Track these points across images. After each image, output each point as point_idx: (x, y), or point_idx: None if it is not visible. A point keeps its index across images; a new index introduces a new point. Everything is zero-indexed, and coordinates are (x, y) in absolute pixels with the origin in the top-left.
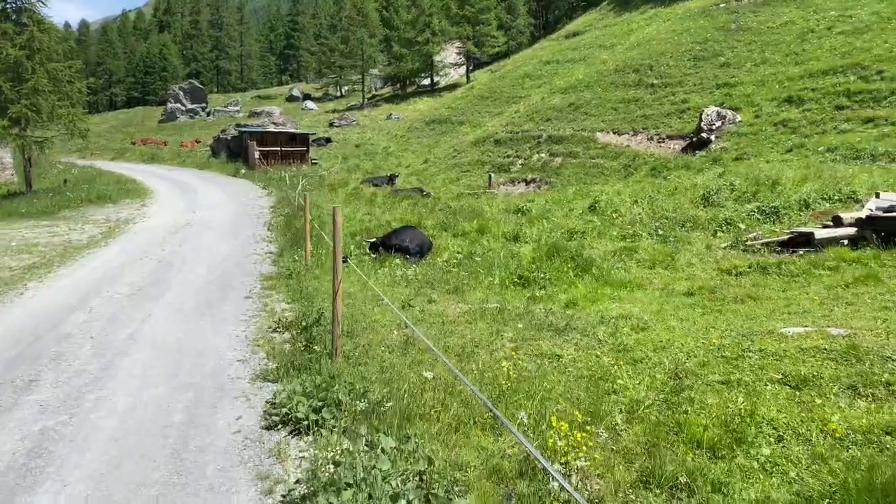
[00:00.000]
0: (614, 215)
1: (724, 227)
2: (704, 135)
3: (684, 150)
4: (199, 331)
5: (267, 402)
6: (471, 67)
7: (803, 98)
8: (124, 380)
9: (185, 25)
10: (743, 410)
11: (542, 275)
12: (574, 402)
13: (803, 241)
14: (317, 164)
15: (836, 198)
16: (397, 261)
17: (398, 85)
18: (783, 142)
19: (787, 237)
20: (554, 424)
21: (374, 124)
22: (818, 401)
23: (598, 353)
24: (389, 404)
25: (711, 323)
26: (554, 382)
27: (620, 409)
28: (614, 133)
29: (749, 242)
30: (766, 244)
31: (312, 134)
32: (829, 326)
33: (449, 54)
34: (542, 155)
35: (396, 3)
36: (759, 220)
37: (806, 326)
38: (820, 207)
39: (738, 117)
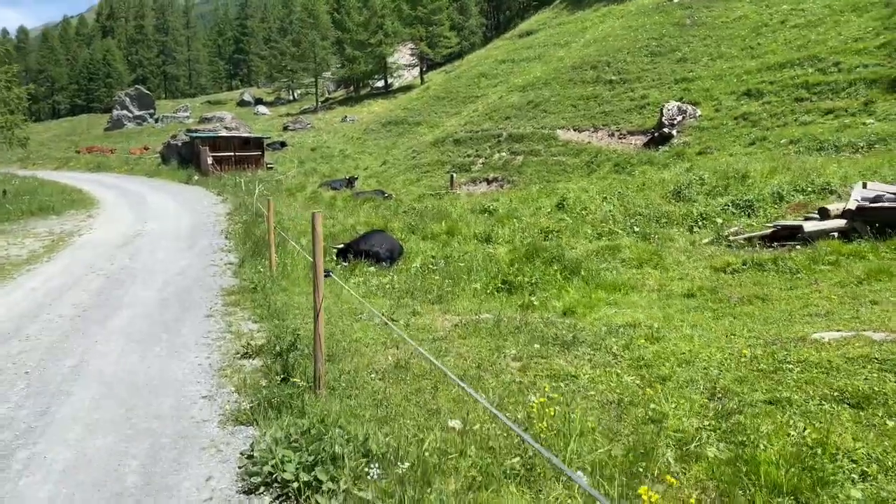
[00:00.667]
0: (584, 213)
1: (699, 223)
2: (666, 129)
3: (646, 145)
4: (155, 360)
5: (243, 454)
6: (424, 69)
7: (762, 91)
8: (65, 428)
9: (129, 30)
10: (811, 440)
11: (527, 279)
12: (610, 435)
13: (787, 235)
14: (272, 169)
15: (808, 189)
16: (369, 268)
17: (352, 87)
18: (745, 135)
19: (770, 231)
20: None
21: (328, 127)
22: (890, 423)
23: (618, 370)
24: (405, 465)
25: (729, 329)
26: (581, 411)
27: (668, 444)
28: (575, 130)
29: (731, 238)
30: (749, 239)
31: (267, 138)
32: (866, 330)
33: (402, 56)
34: (503, 154)
35: (348, 4)
36: (733, 214)
37: (840, 331)
38: (794, 200)
39: (699, 112)
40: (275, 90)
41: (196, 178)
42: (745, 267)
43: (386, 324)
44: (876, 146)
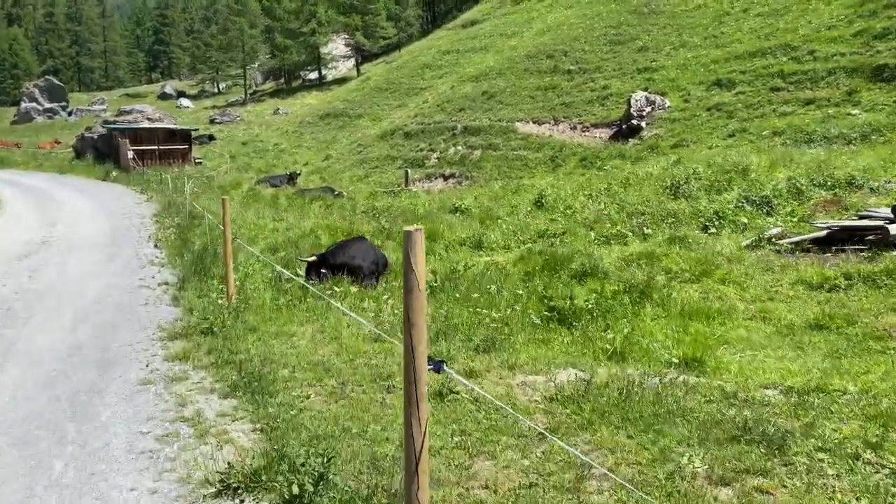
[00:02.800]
0: (568, 211)
1: (715, 222)
2: (635, 121)
3: (613, 138)
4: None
5: None
6: (359, 60)
7: (734, 81)
8: None
9: (38, 19)
10: None
11: (582, 303)
12: None
13: (846, 238)
14: (201, 164)
15: (828, 184)
16: (351, 287)
17: (283, 79)
18: (721, 126)
19: (824, 233)
20: None
21: (260, 120)
22: None
23: None
24: None
25: None
26: None
27: None
28: (534, 123)
29: (775, 241)
30: (797, 243)
31: (195, 129)
32: None
33: (336, 46)
34: (459, 148)
35: None
36: (750, 212)
37: None
38: (815, 195)
39: (668, 102)
40: (198, 82)
41: (115, 174)
42: (850, 282)
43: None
44: (871, 137)
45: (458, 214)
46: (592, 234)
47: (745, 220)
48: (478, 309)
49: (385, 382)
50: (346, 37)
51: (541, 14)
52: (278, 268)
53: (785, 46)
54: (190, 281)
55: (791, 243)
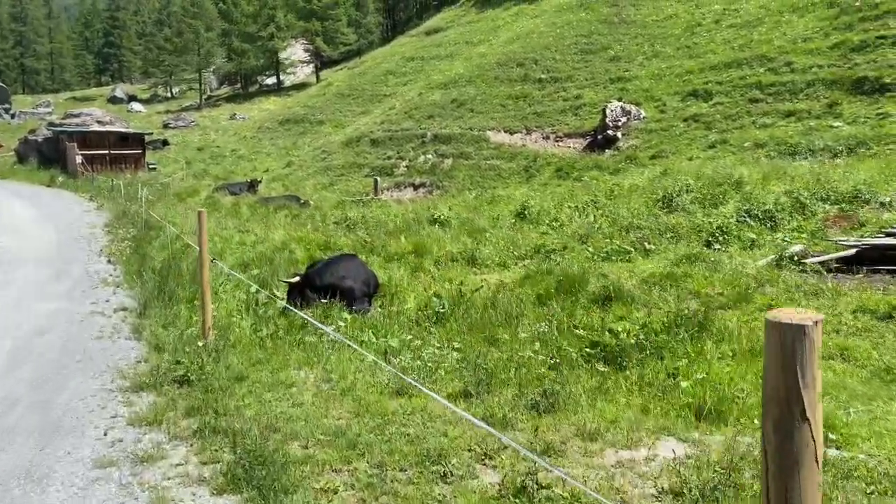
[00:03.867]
0: (554, 224)
1: (719, 238)
2: (611, 132)
3: (588, 148)
4: None
5: None
6: (319, 66)
7: (710, 91)
8: None
9: None
10: None
11: (627, 338)
12: None
13: (877, 258)
14: (156, 170)
15: (831, 198)
16: (344, 313)
17: (239, 84)
18: (700, 138)
19: (852, 252)
20: None
21: (216, 125)
22: None
23: None
24: None
25: None
26: None
27: None
28: (506, 132)
29: (798, 259)
30: (822, 262)
31: (148, 134)
32: None
33: (295, 51)
34: (429, 156)
35: None
36: (753, 227)
37: None
38: (820, 210)
39: (643, 113)
40: (151, 86)
41: (61, 179)
42: None
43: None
44: (858, 150)
45: (437, 226)
46: (590, 249)
47: (753, 236)
48: (501, 343)
49: (436, 466)
50: (306, 42)
51: (507, 22)
52: (264, 293)
53: (761, 58)
54: (152, 306)
55: (818, 262)
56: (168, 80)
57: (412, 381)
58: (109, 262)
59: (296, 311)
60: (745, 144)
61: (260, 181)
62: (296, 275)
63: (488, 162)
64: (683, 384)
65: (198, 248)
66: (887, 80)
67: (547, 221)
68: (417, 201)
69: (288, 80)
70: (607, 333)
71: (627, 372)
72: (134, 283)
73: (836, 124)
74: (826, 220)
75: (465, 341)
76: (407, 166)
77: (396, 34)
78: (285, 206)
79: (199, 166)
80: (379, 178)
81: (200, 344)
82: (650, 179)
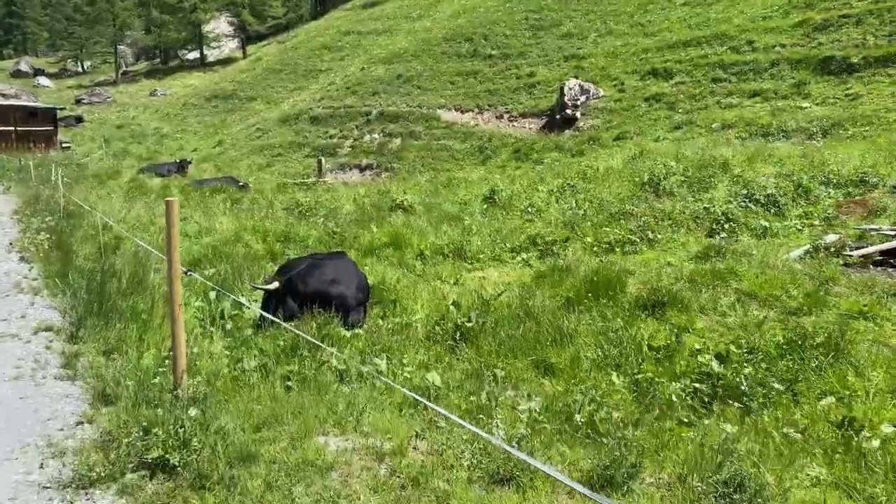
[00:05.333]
0: (530, 209)
1: (724, 226)
2: (570, 111)
3: (545, 129)
4: None
5: None
6: (245, 40)
7: (670, 70)
8: None
9: None
10: None
11: (733, 369)
12: None
13: None
14: (70, 149)
15: (833, 182)
16: (342, 330)
17: (159, 59)
18: (664, 118)
19: None
20: None
21: (135, 102)
22: None
23: None
24: None
25: None
26: None
27: None
28: (457, 110)
29: (834, 250)
30: (866, 256)
31: (61, 109)
32: None
33: (220, 24)
34: (376, 135)
35: None
36: (757, 213)
37: None
38: (826, 195)
39: (602, 92)
40: (59, 60)
41: None
42: None
43: None
44: (834, 132)
45: (400, 212)
46: (587, 240)
47: (765, 224)
48: (559, 372)
49: None
50: (231, 15)
51: None
52: (230, 299)
53: (721, 36)
54: (88, 325)
55: (862, 256)
56: (79, 54)
57: (523, 457)
58: (23, 259)
59: (289, 327)
60: (714, 125)
61: (190, 161)
62: (274, 280)
63: (440, 142)
64: (874, 443)
65: (165, 256)
66: (854, 61)
67: (522, 207)
68: (366, 184)
69: (212, 55)
70: (713, 361)
71: (753, 418)
72: (58, 290)
73: (804, 105)
74: (839, 206)
75: (511, 369)
76: (352, 146)
77: (328, 8)
78: (222, 189)
79: (119, 145)
80: (323, 159)
81: (171, 392)
82: (625, 161)
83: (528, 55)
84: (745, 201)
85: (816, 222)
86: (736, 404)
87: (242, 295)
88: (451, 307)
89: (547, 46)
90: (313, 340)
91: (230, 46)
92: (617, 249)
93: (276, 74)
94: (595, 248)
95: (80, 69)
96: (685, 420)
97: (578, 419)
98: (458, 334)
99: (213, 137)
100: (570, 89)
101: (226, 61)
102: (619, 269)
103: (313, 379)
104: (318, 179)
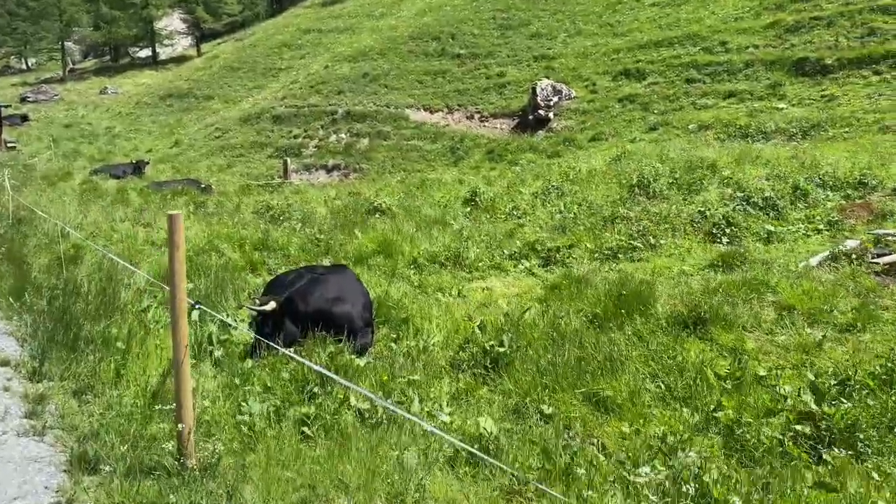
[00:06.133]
0: (515, 212)
1: (725, 230)
2: (542, 112)
3: (517, 129)
4: None
5: None
6: (199, 38)
7: (643, 71)
8: None
9: None
10: None
11: (842, 417)
12: None
13: None
14: (15, 149)
15: (830, 184)
16: (354, 358)
17: (109, 56)
18: (638, 119)
19: None
20: None
21: (84, 100)
22: None
23: None
24: None
25: None
26: None
27: None
28: (426, 110)
29: (856, 257)
30: (892, 264)
31: (5, 106)
32: None
33: (172, 21)
34: (343, 135)
35: None
36: (755, 216)
37: None
38: (822, 197)
39: (574, 93)
40: (3, 56)
41: None
42: None
43: None
44: (813, 133)
45: (377, 215)
46: (588, 245)
47: (770, 228)
48: (617, 407)
49: None
50: (184, 12)
51: None
52: (216, 319)
53: (692, 37)
54: (54, 357)
55: (888, 263)
56: (23, 50)
57: None
58: None
59: (298, 358)
60: (690, 126)
61: (147, 162)
62: (270, 299)
63: (409, 142)
64: None
65: (168, 286)
66: (828, 62)
67: (506, 210)
68: (334, 185)
69: (164, 53)
70: (808, 394)
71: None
72: (13, 312)
73: (780, 106)
74: (842, 210)
75: (558, 404)
76: (317, 146)
77: (286, 6)
78: (184, 192)
79: (69, 145)
80: (289, 160)
81: (177, 459)
82: (607, 163)
83: (496, 55)
84: (742, 204)
85: (821, 226)
86: (845, 451)
87: (227, 314)
88: (477, 330)
89: (516, 46)
90: (329, 374)
91: (183, 44)
92: (620, 256)
93: (233, 73)
94: (596, 255)
95: (24, 66)
96: (815, 477)
97: (690, 489)
98: (488, 361)
99: (170, 137)
100: (543, 90)
101: (179, 59)
102: (645, 281)
103: (334, 425)
104: (284, 181)
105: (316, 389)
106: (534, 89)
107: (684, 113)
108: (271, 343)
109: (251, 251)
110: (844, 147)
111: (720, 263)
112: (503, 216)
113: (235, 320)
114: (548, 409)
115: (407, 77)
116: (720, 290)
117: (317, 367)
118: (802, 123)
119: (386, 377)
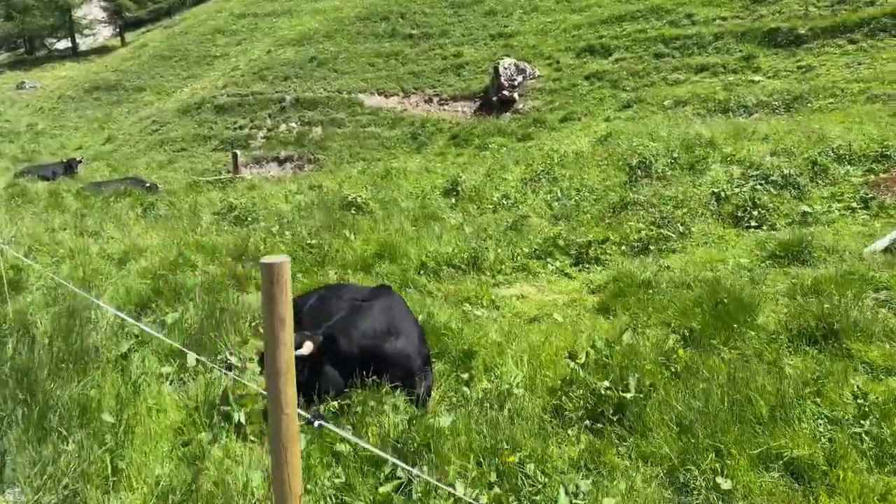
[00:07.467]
0: (506, 202)
1: (753, 213)
2: (507, 93)
3: (480, 111)
4: None
5: None
6: (122, 26)
7: (608, 47)
8: None
9: None
10: None
11: None
12: None
13: None
14: None
15: (846, 157)
16: (430, 419)
17: (23, 48)
18: (609, 97)
19: None
20: None
21: None
22: None
23: None
24: None
25: None
26: None
27: None
28: (381, 94)
29: None
30: None
31: None
32: None
33: (92, 10)
34: (293, 124)
35: None
36: (775, 195)
37: None
38: (842, 172)
39: (538, 71)
40: None
41: None
42: None
43: None
44: (797, 106)
45: (353, 211)
46: (612, 237)
47: (807, 209)
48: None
49: None
50: (104, 0)
51: None
52: (225, 375)
53: (656, 10)
54: (14, 440)
55: None
56: None
57: None
58: None
59: (369, 447)
60: (666, 102)
61: (80, 161)
62: (303, 338)
63: (366, 129)
64: None
65: (264, 387)
66: (801, 32)
67: (495, 200)
68: (291, 178)
69: (85, 44)
70: None
71: None
72: None
73: (756, 78)
74: (875, 185)
75: (731, 472)
76: (266, 137)
77: None
78: (128, 193)
79: None
80: (239, 152)
81: None
82: (593, 144)
83: (451, 34)
84: (761, 183)
85: (854, 204)
86: None
87: (230, 352)
88: (572, 363)
89: (470, 24)
90: (424, 477)
91: (105, 34)
92: (651, 248)
93: (165, 62)
94: (623, 248)
95: None
96: None
97: None
98: (609, 410)
99: (101, 133)
100: (506, 69)
101: (102, 50)
102: (748, 288)
103: None
104: (235, 176)
105: (389, 470)
106: (496, 69)
107: (657, 89)
108: (319, 400)
109: (231, 263)
110: (836, 118)
111: (782, 254)
112: (491, 206)
113: (241, 359)
114: (725, 483)
115: (357, 60)
116: (822, 290)
117: (400, 463)
118: (784, 96)
119: (484, 443)
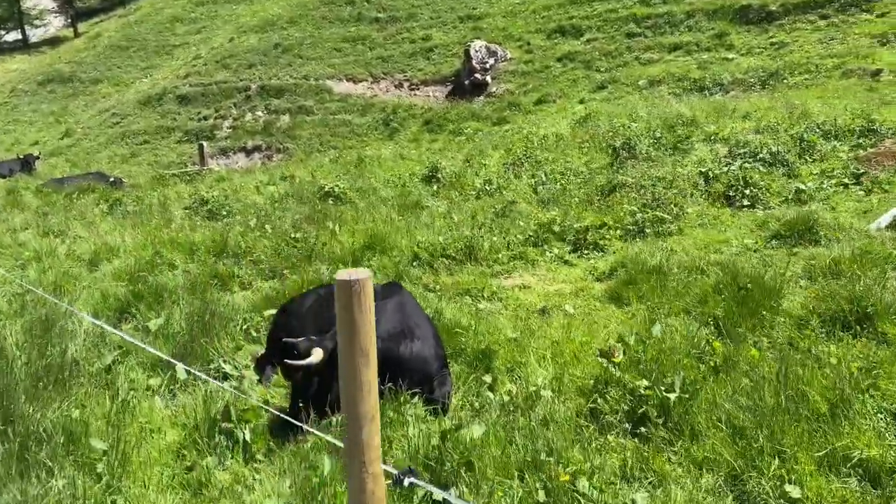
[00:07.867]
0: (488, 187)
1: (745, 192)
2: (479, 76)
3: (452, 96)
4: None
5: None
6: (73, 16)
7: (578, 27)
8: None
9: None
10: None
11: None
12: None
13: None
14: None
15: (832, 132)
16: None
17: None
18: (582, 78)
19: None
20: None
21: None
22: None
23: None
24: None
25: None
26: None
27: None
28: (350, 80)
29: None
30: None
31: None
32: None
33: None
34: (259, 113)
35: None
36: (765, 173)
37: None
38: (828, 148)
39: (509, 53)
40: None
41: None
42: None
43: None
44: (772, 82)
45: (331, 201)
46: (606, 220)
47: (801, 186)
48: None
49: None
50: None
51: None
52: (230, 392)
53: None
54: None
55: None
56: None
57: None
58: None
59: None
60: (640, 82)
61: (37, 157)
62: (309, 344)
63: (336, 117)
64: None
65: (347, 448)
66: (773, 8)
67: (478, 186)
68: (260, 169)
69: (36, 35)
70: None
71: None
72: None
73: (730, 56)
74: (865, 160)
75: (797, 478)
76: (232, 126)
77: None
78: (92, 189)
79: None
80: (205, 144)
81: None
82: (572, 126)
83: (418, 17)
84: (749, 161)
85: (846, 180)
86: None
87: (224, 359)
88: (607, 363)
89: (438, 7)
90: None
91: (56, 24)
92: (647, 230)
93: (122, 52)
94: (619, 231)
95: None
96: None
97: None
98: (654, 413)
99: (57, 127)
100: (477, 52)
101: (54, 41)
102: (769, 274)
103: None
104: (202, 168)
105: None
106: (467, 52)
107: (630, 69)
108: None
109: (212, 260)
110: (814, 94)
111: (787, 233)
112: (474, 193)
113: (237, 368)
114: (794, 491)
115: (323, 45)
116: (842, 271)
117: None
118: (759, 73)
119: (521, 455)
